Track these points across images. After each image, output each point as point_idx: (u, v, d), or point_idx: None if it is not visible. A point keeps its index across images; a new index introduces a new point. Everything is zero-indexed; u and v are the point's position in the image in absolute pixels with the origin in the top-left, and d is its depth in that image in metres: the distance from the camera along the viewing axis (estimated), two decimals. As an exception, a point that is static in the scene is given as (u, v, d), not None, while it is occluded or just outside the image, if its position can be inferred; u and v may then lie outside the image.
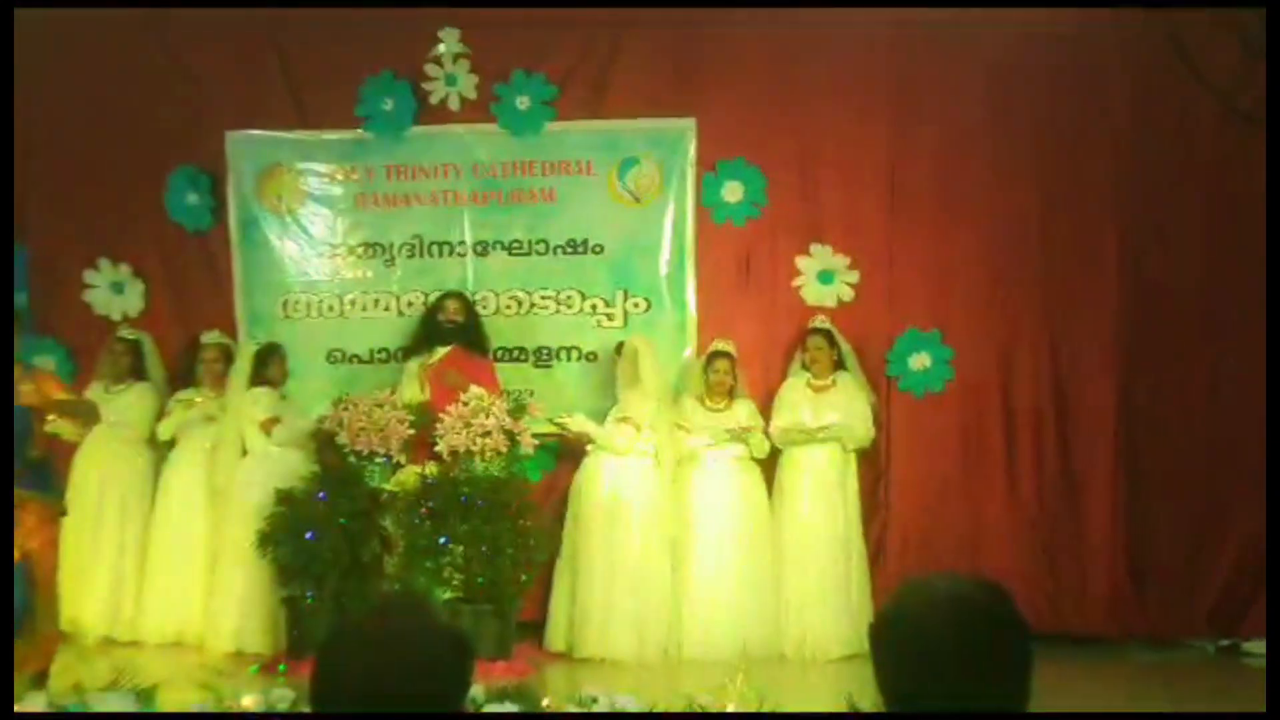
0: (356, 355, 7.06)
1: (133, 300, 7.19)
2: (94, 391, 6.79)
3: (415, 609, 1.77)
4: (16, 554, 4.96)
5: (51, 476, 5.38)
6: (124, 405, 6.83)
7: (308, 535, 6.02)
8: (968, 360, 6.74)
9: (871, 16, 6.64)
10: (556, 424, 6.55)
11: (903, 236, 6.83)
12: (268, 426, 6.62)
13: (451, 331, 6.72)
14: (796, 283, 6.86)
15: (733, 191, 6.88)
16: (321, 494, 6.13)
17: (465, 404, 6.29)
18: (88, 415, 5.72)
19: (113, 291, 7.20)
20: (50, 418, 6.45)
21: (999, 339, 6.76)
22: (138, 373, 6.98)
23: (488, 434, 6.25)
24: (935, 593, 1.65)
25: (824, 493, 6.53)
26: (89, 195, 7.12)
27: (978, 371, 6.76)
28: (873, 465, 6.78)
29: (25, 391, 5.07)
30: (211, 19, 7.00)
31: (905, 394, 6.77)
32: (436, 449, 6.26)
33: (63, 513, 5.46)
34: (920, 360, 6.74)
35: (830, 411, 6.55)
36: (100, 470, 6.80)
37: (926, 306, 6.79)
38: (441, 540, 5.96)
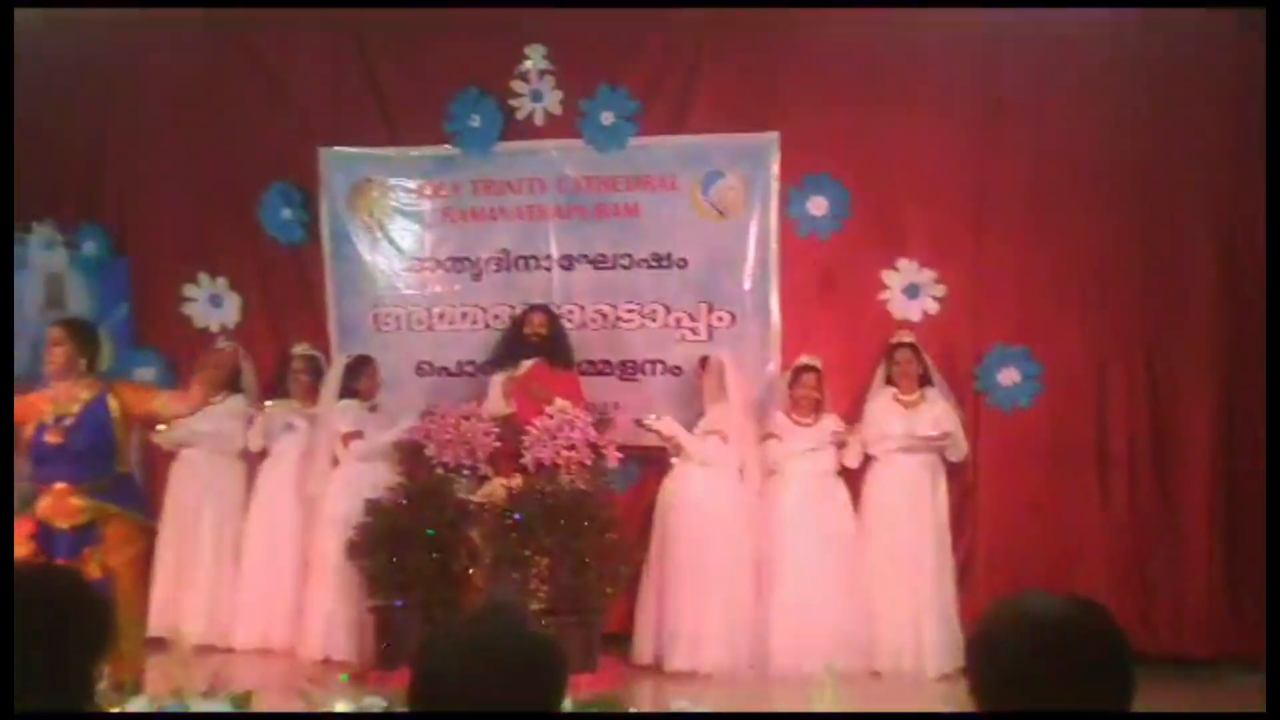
0: (445, 367, 7.16)
1: (230, 313, 7.38)
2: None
3: (511, 617, 1.80)
4: (98, 571, 4.97)
5: (138, 493, 5.44)
6: (220, 416, 6.99)
7: (396, 545, 6.11)
8: (1058, 375, 6.63)
9: (957, 18, 6.57)
10: (646, 426, 6.55)
11: (991, 249, 6.75)
12: (348, 440, 6.72)
13: (536, 345, 6.77)
14: (882, 297, 6.81)
15: (817, 205, 6.85)
16: (410, 504, 6.21)
17: (550, 417, 6.34)
18: (189, 406, 5.79)
19: (211, 304, 7.39)
20: (160, 428, 6.66)
21: (1091, 353, 6.64)
22: (233, 385, 7.13)
23: (573, 447, 6.30)
24: (1034, 611, 1.63)
25: (916, 506, 6.48)
26: (188, 211, 7.32)
27: (1068, 386, 6.64)
28: (960, 481, 6.71)
29: (111, 406, 5.14)
30: (304, 39, 7.17)
31: (993, 409, 6.69)
32: (522, 461, 6.32)
33: (152, 531, 5.54)
34: (1009, 375, 6.66)
35: (923, 425, 6.50)
36: (197, 481, 6.99)
37: (1015, 320, 6.70)
38: (527, 552, 6.00)
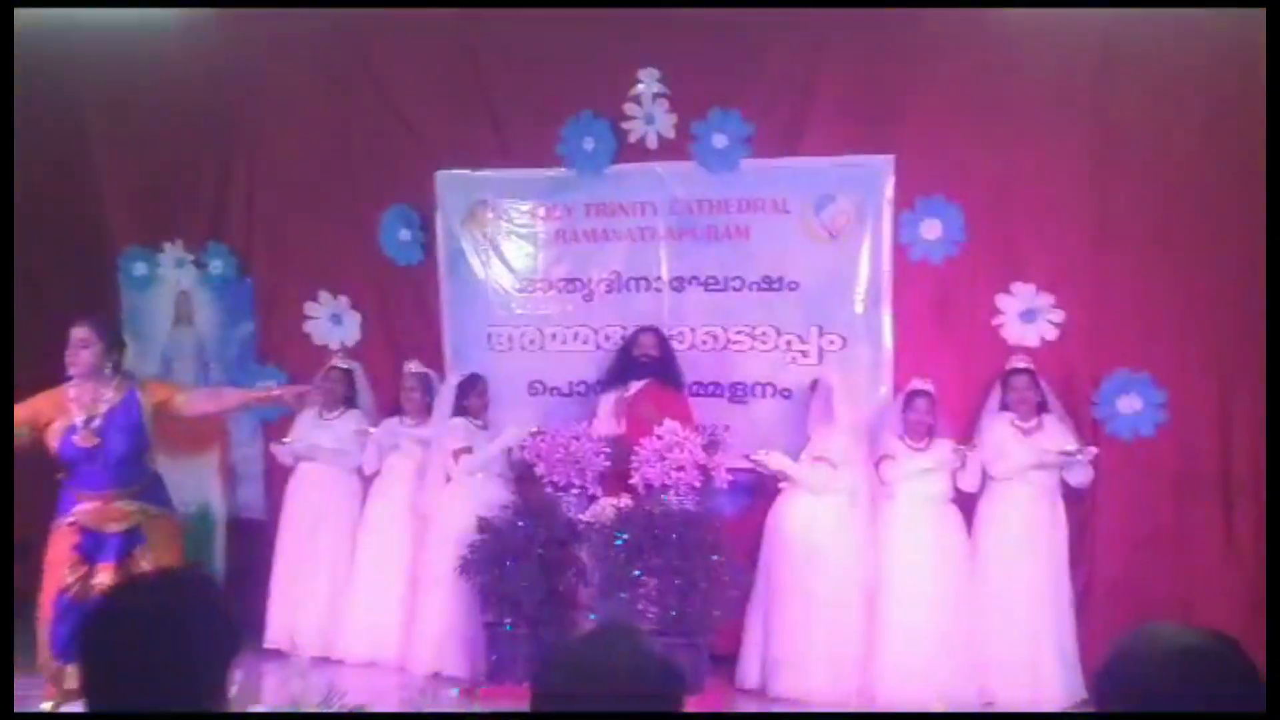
0: (556, 387, 7.21)
1: (350, 331, 7.52)
2: (308, 418, 7.15)
3: (630, 637, 1.81)
4: (151, 569, 4.92)
5: (166, 491, 5.38)
6: (338, 432, 7.15)
7: (506, 563, 6.18)
8: (1181, 402, 6.44)
9: (1075, 38, 6.45)
10: (754, 460, 6.54)
11: (1111, 273, 6.59)
12: (459, 456, 6.80)
13: (646, 366, 6.79)
14: (996, 321, 6.71)
15: (931, 228, 6.77)
16: (521, 523, 6.28)
17: (660, 438, 6.35)
18: (219, 406, 5.87)
19: (331, 322, 7.54)
20: (286, 440, 6.83)
21: (1216, 379, 6.44)
22: (350, 401, 7.27)
23: (682, 469, 6.31)
24: (1166, 643, 1.59)
25: (1032, 533, 6.35)
26: (311, 232, 7.50)
27: (1191, 413, 6.45)
28: (1078, 510, 6.55)
29: (143, 401, 5.13)
30: (422, 64, 7.32)
31: (1113, 437, 6.53)
32: (631, 482, 6.34)
33: (185, 527, 5.47)
34: (1130, 402, 6.49)
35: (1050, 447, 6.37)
36: (314, 495, 7.12)
37: (1137, 346, 6.53)
38: (635, 573, 6.02)
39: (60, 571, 4.96)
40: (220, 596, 1.93)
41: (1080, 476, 6.44)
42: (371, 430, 7.11)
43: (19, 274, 7.21)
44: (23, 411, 5.07)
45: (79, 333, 5.09)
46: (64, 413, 5.02)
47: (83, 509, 5.02)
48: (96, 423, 5.02)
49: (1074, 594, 6.42)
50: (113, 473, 5.04)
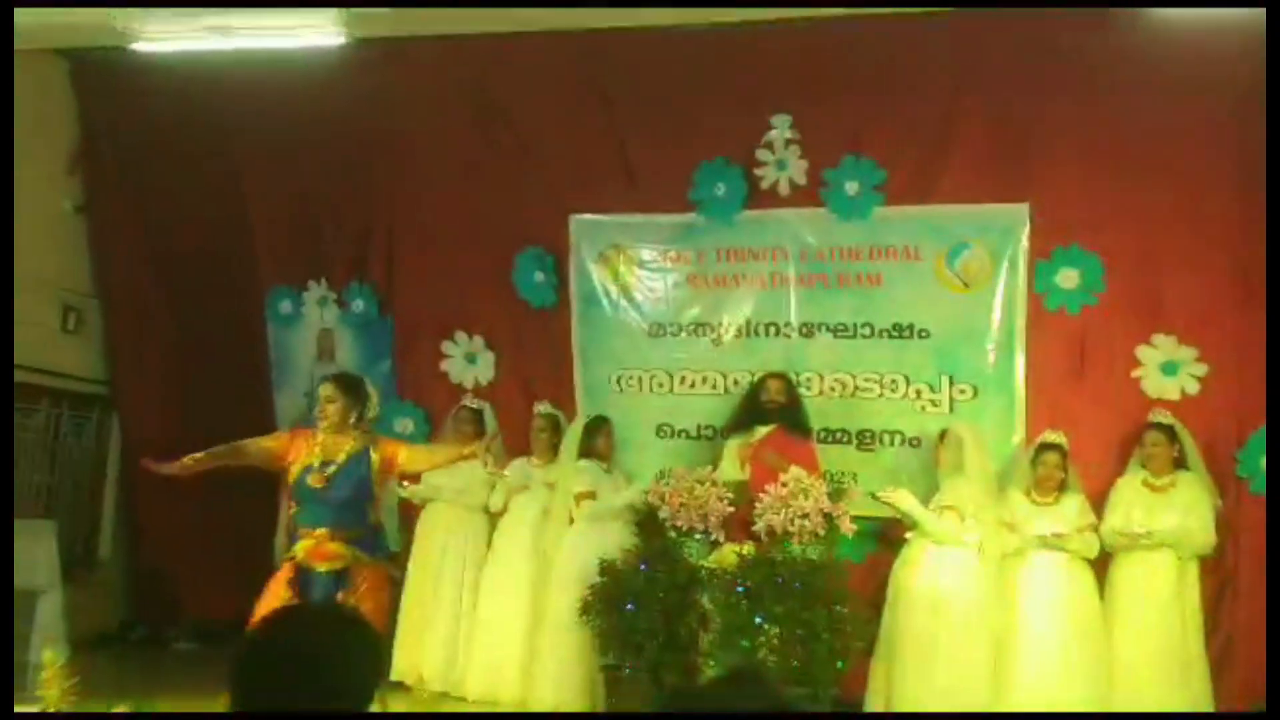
0: (684, 431, 7.25)
1: (484, 370, 7.67)
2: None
3: (759, 685, 1.81)
4: None
5: (385, 543, 5.60)
6: (465, 472, 7.26)
7: (628, 606, 6.21)
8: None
9: (1216, 85, 6.28)
10: (881, 499, 6.46)
11: (1257, 325, 6.37)
12: (580, 500, 6.85)
13: (773, 411, 6.78)
14: (1136, 374, 6.53)
15: (1067, 278, 6.65)
16: (643, 566, 6.30)
17: (784, 485, 6.33)
18: (431, 463, 6.12)
19: (467, 361, 7.70)
20: (404, 484, 6.95)
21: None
22: (479, 439, 7.38)
23: (806, 516, 6.26)
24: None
25: (1158, 604, 6.13)
26: (449, 273, 7.69)
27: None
28: (1217, 573, 6.31)
29: (373, 458, 5.35)
30: (557, 110, 7.47)
31: (1257, 496, 6.28)
32: (754, 528, 6.32)
33: (396, 581, 5.71)
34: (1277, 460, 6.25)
35: (1167, 514, 6.17)
36: (441, 534, 7.23)
37: (1283, 402, 6.29)
38: (757, 620, 5.99)
39: (271, 603, 5.10)
40: (371, 636, 1.98)
41: (1190, 549, 6.17)
42: (505, 473, 7.11)
43: (181, 312, 7.41)
44: (269, 439, 5.56)
45: (324, 390, 5.52)
46: (309, 453, 5.36)
47: (300, 545, 5.30)
48: (330, 469, 5.32)
49: (1212, 656, 6.17)
50: (331, 514, 5.29)
